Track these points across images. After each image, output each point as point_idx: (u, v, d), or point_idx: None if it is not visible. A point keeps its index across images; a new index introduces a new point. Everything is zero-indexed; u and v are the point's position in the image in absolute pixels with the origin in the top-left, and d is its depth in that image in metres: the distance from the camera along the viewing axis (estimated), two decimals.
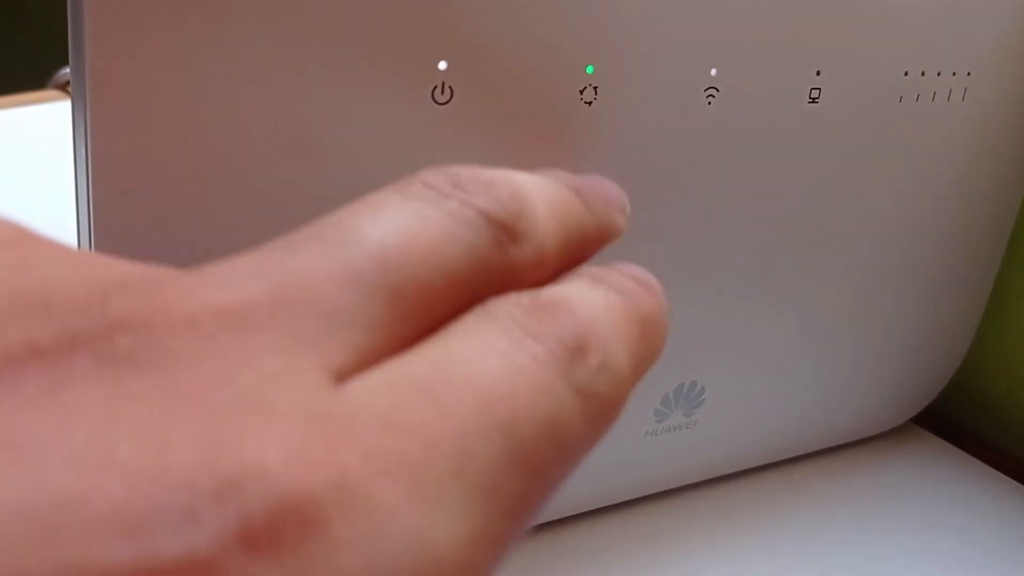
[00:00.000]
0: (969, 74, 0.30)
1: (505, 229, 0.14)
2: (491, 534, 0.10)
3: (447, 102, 0.21)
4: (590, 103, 0.23)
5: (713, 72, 0.24)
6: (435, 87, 0.21)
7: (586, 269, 0.15)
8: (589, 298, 0.14)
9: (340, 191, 0.21)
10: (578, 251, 0.16)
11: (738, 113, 0.25)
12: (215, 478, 0.09)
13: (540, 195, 0.15)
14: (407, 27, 0.20)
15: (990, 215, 0.35)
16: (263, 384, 0.10)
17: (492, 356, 0.12)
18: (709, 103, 0.25)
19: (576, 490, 0.30)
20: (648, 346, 0.14)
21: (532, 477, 0.11)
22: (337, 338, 0.11)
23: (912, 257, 0.33)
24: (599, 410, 0.12)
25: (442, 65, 0.21)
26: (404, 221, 0.13)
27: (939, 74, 0.29)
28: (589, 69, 0.22)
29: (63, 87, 0.63)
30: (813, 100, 0.27)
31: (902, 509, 0.34)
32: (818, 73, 0.26)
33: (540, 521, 0.30)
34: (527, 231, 0.14)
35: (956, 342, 0.38)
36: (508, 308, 0.13)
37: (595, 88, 0.23)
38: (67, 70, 0.62)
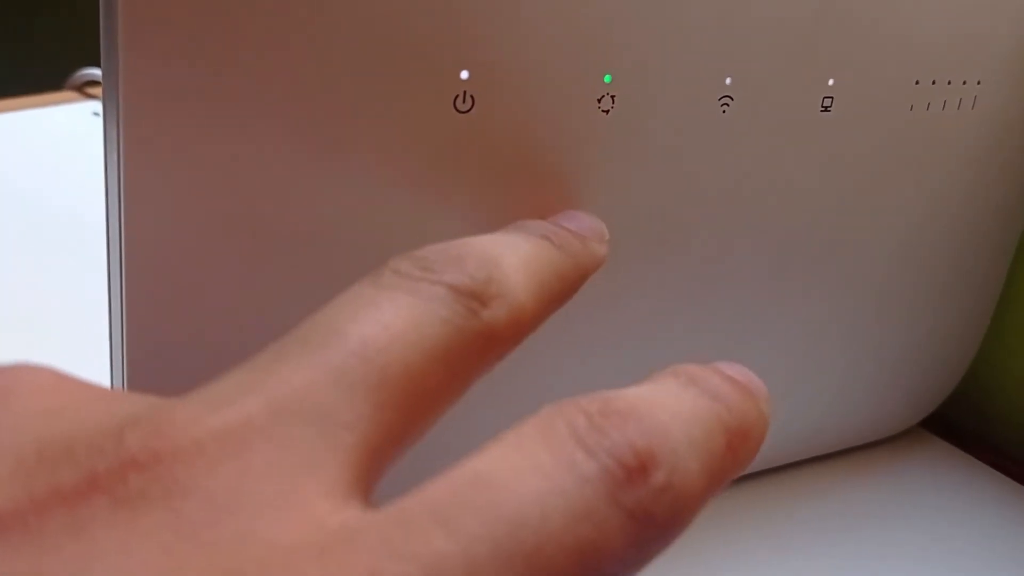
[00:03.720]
0: (979, 83, 0.30)
1: (475, 296, 0.14)
2: None
3: (469, 110, 0.22)
4: (607, 111, 0.23)
5: (728, 81, 0.25)
6: (457, 95, 0.21)
7: (683, 368, 0.15)
8: (671, 403, 0.13)
9: (365, 194, 0.21)
10: (559, 292, 0.17)
11: (752, 121, 0.26)
12: None
13: (509, 255, 0.16)
14: (430, 37, 0.20)
15: (998, 221, 0.35)
16: (263, 516, 0.10)
17: (530, 475, 0.11)
18: (724, 111, 0.25)
19: None
20: (733, 460, 0.13)
21: None
22: (326, 445, 0.11)
23: (920, 263, 0.33)
24: (654, 533, 0.12)
25: (464, 74, 0.21)
26: (379, 311, 0.13)
27: (949, 83, 0.30)
28: (607, 78, 0.23)
29: (80, 88, 0.63)
30: (825, 109, 0.27)
31: (909, 513, 0.35)
32: (830, 82, 0.27)
33: None
34: (498, 293, 0.15)
35: (964, 347, 0.38)
36: (570, 415, 0.12)
37: (612, 97, 0.23)
38: (84, 71, 0.62)
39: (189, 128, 0.19)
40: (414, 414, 0.13)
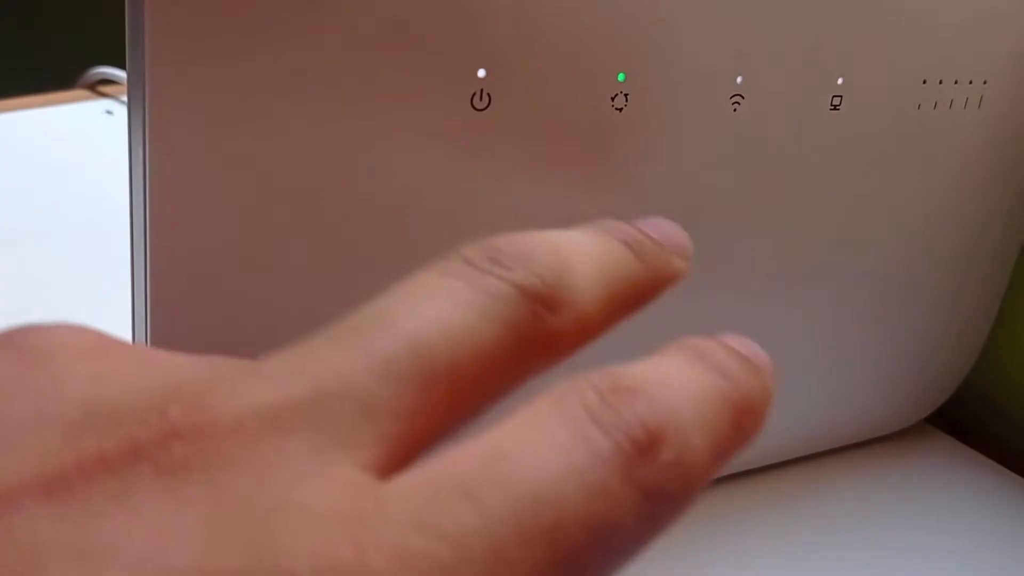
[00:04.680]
0: (985, 82, 0.31)
1: (542, 301, 0.14)
2: None
3: (485, 107, 0.22)
4: (621, 109, 0.24)
5: (739, 80, 0.25)
6: (474, 93, 0.22)
7: (690, 342, 0.15)
8: (678, 381, 0.13)
9: (385, 189, 0.22)
10: (629, 304, 0.16)
11: (762, 119, 0.26)
12: None
13: (584, 257, 0.15)
14: (448, 37, 0.21)
15: (1004, 219, 0.35)
16: (299, 486, 0.11)
17: (549, 453, 0.12)
18: (735, 110, 0.26)
19: None
20: (738, 435, 0.14)
21: None
22: (368, 430, 0.12)
23: (927, 260, 0.34)
24: (664, 509, 0.12)
25: (481, 73, 0.22)
26: (437, 305, 0.13)
27: (956, 82, 0.30)
28: (621, 77, 0.23)
29: (92, 87, 0.64)
30: (834, 107, 0.28)
31: (914, 508, 0.35)
32: (839, 81, 0.27)
33: None
34: (567, 299, 0.14)
35: (969, 343, 0.38)
36: (583, 392, 0.12)
37: (626, 95, 0.24)
38: (97, 70, 0.63)
39: (214, 124, 0.20)
40: (457, 411, 0.13)
